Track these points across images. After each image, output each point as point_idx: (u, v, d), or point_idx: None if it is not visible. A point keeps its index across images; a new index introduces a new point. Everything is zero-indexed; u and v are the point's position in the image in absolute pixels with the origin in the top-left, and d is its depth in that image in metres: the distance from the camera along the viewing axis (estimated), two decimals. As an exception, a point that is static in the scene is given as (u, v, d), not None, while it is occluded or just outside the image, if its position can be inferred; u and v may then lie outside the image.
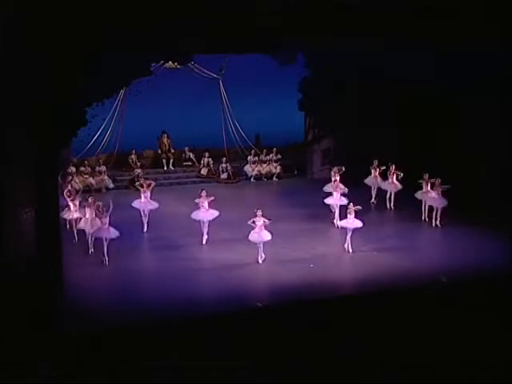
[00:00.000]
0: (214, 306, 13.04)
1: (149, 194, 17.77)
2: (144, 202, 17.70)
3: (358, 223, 15.89)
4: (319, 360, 11.00)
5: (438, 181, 17.50)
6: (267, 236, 15.23)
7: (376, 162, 19.39)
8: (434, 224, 17.79)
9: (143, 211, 17.73)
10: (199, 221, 16.66)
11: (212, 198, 16.64)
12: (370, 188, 19.88)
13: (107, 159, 23.46)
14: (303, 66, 21.42)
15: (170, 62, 21.25)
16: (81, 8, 12.57)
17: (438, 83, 17.60)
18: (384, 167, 19.22)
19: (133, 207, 17.71)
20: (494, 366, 10.89)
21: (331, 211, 18.10)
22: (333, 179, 18.37)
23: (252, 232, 15.23)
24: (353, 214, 15.80)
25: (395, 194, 19.33)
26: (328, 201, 18.01)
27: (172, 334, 11.68)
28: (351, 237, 15.81)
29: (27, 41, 12.15)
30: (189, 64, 22.11)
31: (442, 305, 12.83)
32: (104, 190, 22.09)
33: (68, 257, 14.49)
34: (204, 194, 16.70)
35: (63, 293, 13.47)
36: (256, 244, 15.24)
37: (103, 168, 22.60)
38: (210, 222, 16.60)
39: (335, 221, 17.60)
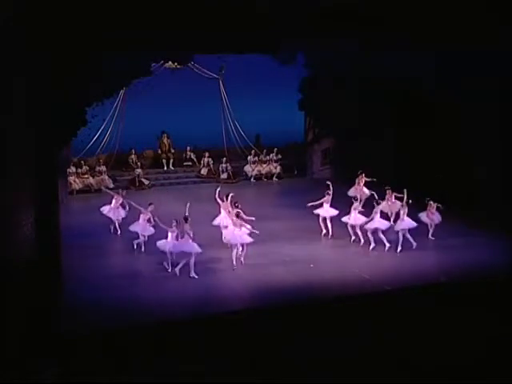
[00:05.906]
0: (213, 306, 13.05)
1: (120, 200, 17.00)
2: (114, 209, 17.03)
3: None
4: (319, 360, 11.00)
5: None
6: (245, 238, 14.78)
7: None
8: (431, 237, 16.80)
9: (116, 219, 17.07)
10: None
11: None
12: None
13: (107, 159, 23.49)
14: (303, 65, 21.43)
15: (170, 62, 21.30)
16: (81, 8, 12.58)
17: (437, 83, 17.60)
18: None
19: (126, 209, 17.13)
20: (493, 365, 10.89)
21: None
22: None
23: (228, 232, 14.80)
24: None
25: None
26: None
27: (172, 334, 11.69)
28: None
29: (27, 41, 12.15)
30: (189, 64, 22.15)
31: (442, 305, 12.83)
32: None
33: (68, 257, 14.49)
34: (151, 208, 15.74)
35: (63, 293, 13.47)
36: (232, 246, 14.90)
37: (103, 168, 22.64)
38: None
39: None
